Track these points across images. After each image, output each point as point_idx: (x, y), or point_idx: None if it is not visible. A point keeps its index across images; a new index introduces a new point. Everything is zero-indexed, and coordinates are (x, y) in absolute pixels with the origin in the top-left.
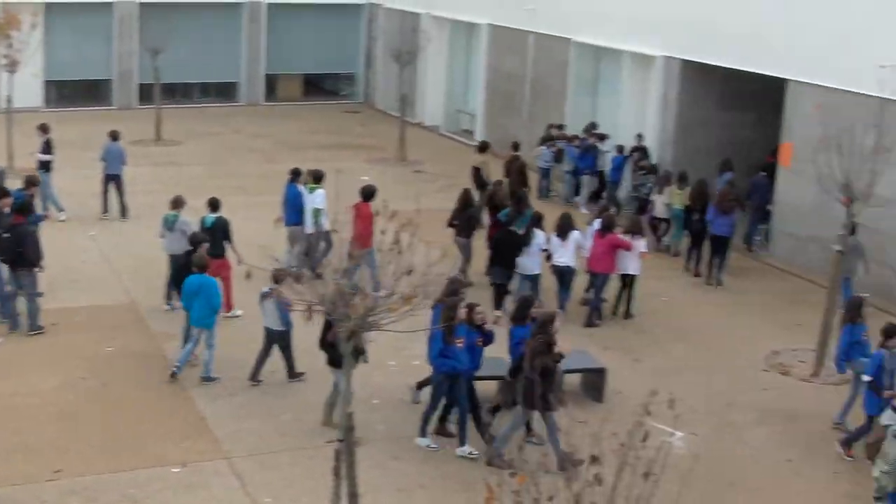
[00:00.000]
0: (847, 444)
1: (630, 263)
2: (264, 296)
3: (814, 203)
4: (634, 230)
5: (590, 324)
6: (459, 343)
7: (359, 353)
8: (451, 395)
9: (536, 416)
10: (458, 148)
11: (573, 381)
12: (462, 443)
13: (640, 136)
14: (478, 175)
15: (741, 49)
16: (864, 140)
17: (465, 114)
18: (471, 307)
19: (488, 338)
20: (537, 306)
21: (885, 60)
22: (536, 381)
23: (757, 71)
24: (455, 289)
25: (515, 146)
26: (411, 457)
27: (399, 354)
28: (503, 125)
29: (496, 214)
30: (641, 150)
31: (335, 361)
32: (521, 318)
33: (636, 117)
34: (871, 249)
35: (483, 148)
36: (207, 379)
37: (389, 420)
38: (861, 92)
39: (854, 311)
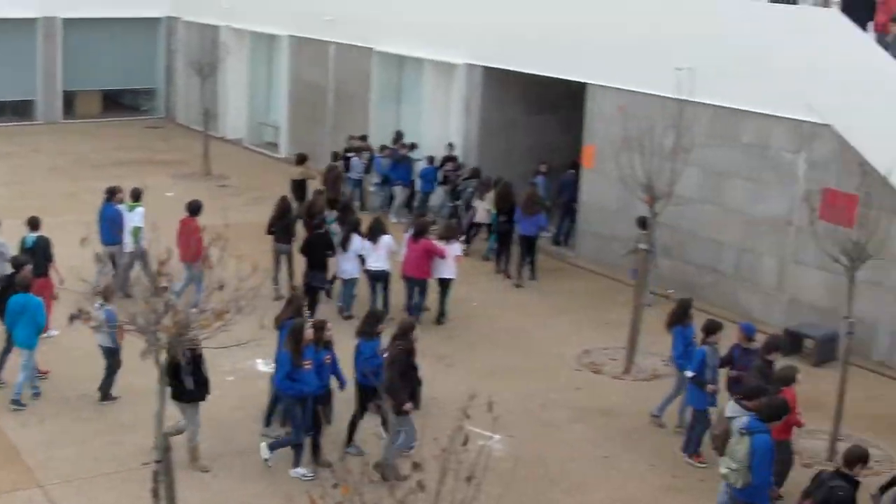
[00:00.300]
0: (691, 448)
1: (445, 268)
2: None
3: (617, 203)
4: (448, 236)
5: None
6: (307, 365)
7: (202, 385)
8: (306, 416)
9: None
10: (262, 161)
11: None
12: (296, 464)
13: (450, 146)
14: (298, 186)
15: (541, 55)
16: (664, 141)
17: (269, 126)
18: (318, 327)
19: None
20: (344, 315)
21: (681, 63)
22: (396, 386)
23: (557, 76)
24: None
25: (335, 156)
26: (233, 474)
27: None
28: (307, 136)
29: (314, 223)
30: (453, 160)
31: (181, 395)
32: (369, 333)
33: (440, 125)
34: (672, 247)
35: (301, 160)
36: (17, 403)
37: (212, 438)
38: (660, 94)
39: (682, 313)
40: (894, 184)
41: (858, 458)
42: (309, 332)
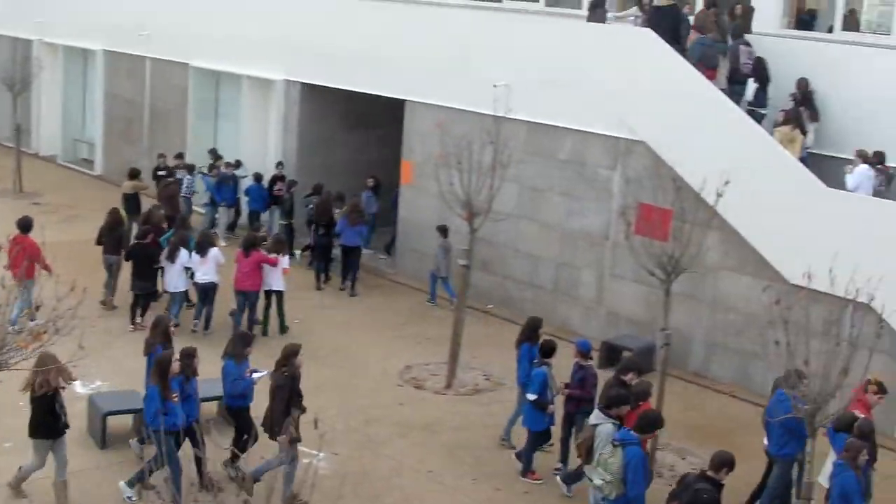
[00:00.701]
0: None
1: (275, 280)
2: None
3: (437, 219)
4: (277, 250)
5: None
6: (175, 398)
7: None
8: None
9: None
10: (77, 178)
11: (210, 408)
12: (131, 484)
13: (280, 165)
14: (131, 200)
15: (359, 71)
16: (482, 157)
17: (84, 143)
18: (185, 357)
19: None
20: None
21: (498, 80)
22: (279, 411)
23: (375, 92)
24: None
25: (170, 173)
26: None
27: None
28: (124, 153)
29: (141, 234)
30: (282, 178)
31: (51, 431)
32: (237, 354)
33: (259, 141)
34: (491, 262)
35: (133, 175)
36: None
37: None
38: (477, 111)
39: (532, 332)
40: (707, 198)
41: (725, 462)
42: (176, 366)
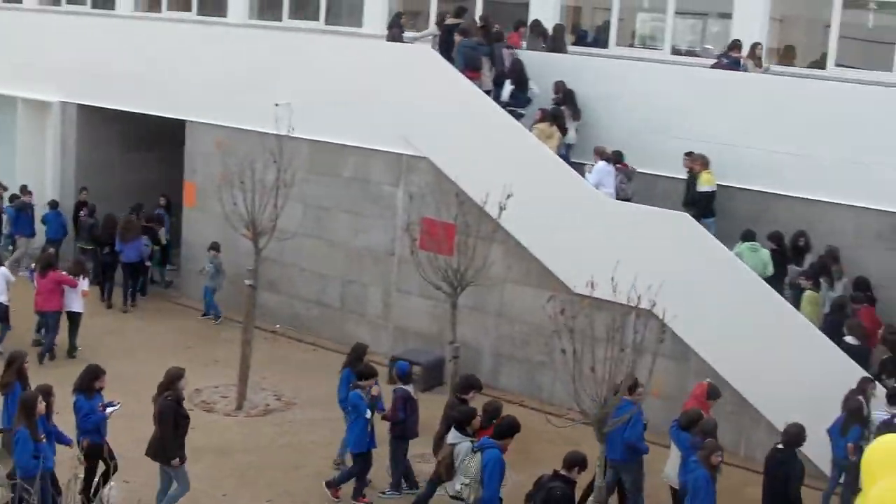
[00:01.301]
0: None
1: (74, 301)
2: None
3: (221, 239)
4: (76, 272)
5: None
6: (44, 439)
7: None
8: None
9: None
10: None
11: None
12: None
13: (84, 190)
14: None
15: (137, 92)
16: (265, 176)
17: None
18: (46, 396)
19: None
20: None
21: (279, 99)
22: (168, 436)
23: (155, 113)
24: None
25: None
26: None
27: None
28: None
29: None
30: (85, 204)
31: None
32: (87, 389)
33: (36, 165)
34: (278, 281)
35: None
36: None
37: None
38: (260, 130)
39: (357, 358)
40: (490, 212)
41: (577, 461)
42: (42, 406)
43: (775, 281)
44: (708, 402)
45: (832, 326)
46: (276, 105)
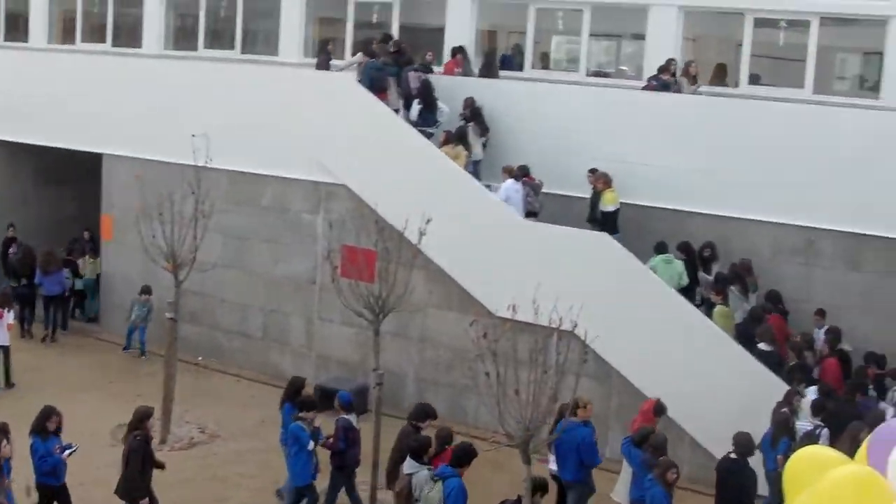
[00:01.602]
0: None
1: (0, 335)
2: None
3: (141, 272)
4: (2, 304)
5: None
6: (8, 483)
7: None
8: None
9: None
10: None
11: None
12: None
13: (12, 226)
14: None
15: (51, 126)
16: (183, 207)
17: None
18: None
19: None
20: None
21: (195, 130)
22: (135, 476)
23: (69, 147)
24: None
25: None
26: None
27: None
28: None
29: None
30: (14, 240)
31: None
32: (41, 430)
33: None
34: (199, 313)
35: None
36: None
37: None
38: (177, 161)
39: (294, 392)
40: (410, 237)
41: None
42: (7, 449)
43: (690, 291)
44: (655, 418)
45: (745, 335)
46: (193, 136)
